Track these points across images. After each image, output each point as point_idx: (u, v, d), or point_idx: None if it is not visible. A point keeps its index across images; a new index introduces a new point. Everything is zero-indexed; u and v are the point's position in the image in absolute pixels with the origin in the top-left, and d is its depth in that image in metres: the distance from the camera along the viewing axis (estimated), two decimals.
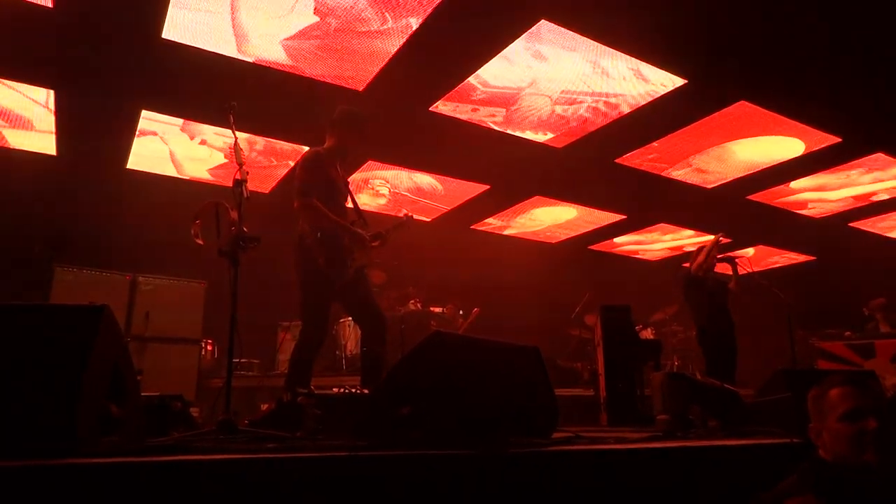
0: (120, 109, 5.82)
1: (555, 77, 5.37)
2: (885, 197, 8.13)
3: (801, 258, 10.92)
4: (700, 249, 6.38)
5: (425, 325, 7.31)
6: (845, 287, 9.04)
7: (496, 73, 5.28)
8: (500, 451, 2.02)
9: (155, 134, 6.29)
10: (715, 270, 6.33)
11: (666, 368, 7.73)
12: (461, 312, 8.43)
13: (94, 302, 1.91)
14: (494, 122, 6.11)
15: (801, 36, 4.82)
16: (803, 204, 8.38)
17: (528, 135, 6.37)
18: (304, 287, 3.71)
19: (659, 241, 10.32)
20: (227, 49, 4.86)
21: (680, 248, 10.39)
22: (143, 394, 2.46)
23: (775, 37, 4.84)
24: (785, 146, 6.67)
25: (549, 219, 9.14)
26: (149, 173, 7.04)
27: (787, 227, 9.13)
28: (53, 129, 6.10)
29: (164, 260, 6.22)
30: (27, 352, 1.67)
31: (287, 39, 4.79)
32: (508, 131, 6.28)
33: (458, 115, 5.96)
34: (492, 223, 9.26)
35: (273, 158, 6.90)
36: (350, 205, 4.03)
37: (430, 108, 5.82)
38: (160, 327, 6.04)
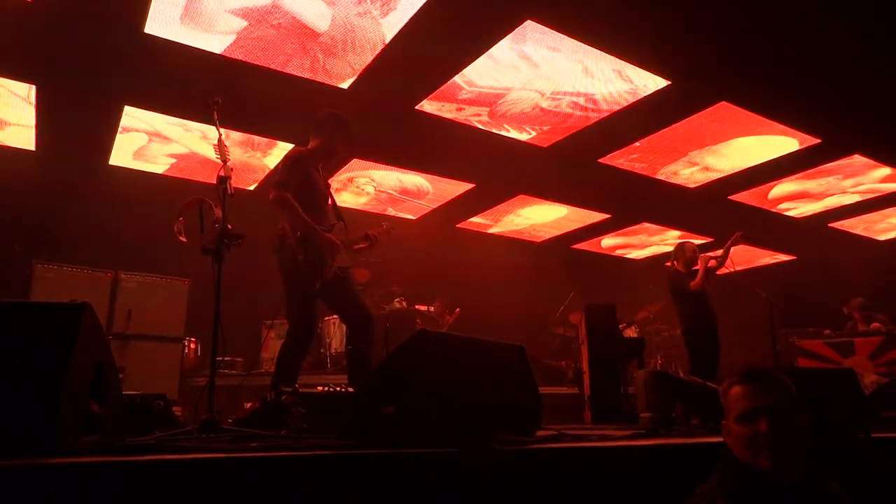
0: (102, 105, 5.75)
1: (539, 77, 5.39)
2: (861, 198, 8.27)
3: (782, 257, 11.06)
4: (683, 247, 6.43)
5: (411, 323, 7.31)
6: (825, 286, 9.17)
7: (482, 72, 5.29)
8: (485, 450, 2.02)
9: (139, 130, 6.22)
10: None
11: (649, 366, 7.80)
12: (447, 318, 8.42)
13: (75, 299, 1.88)
14: (479, 122, 6.12)
15: (781, 38, 4.88)
16: (783, 205, 8.50)
17: (513, 134, 6.39)
18: (289, 287, 3.69)
19: (646, 243, 10.40)
20: (211, 45, 4.82)
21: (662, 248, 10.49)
22: (124, 392, 2.43)
23: (756, 39, 4.90)
24: (773, 146, 6.74)
25: (534, 217, 9.17)
26: (131, 169, 6.97)
27: (768, 228, 9.24)
28: (33, 124, 6.01)
29: (147, 257, 6.16)
30: (6, 350, 1.64)
31: (271, 36, 4.76)
32: (493, 130, 6.29)
33: (443, 115, 5.96)
34: (477, 222, 9.27)
35: (259, 152, 6.86)
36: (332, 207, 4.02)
37: (416, 108, 5.82)
38: (142, 325, 5.98)
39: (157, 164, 6.99)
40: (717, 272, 6.29)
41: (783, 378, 1.73)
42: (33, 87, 5.44)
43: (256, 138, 6.49)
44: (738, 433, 1.69)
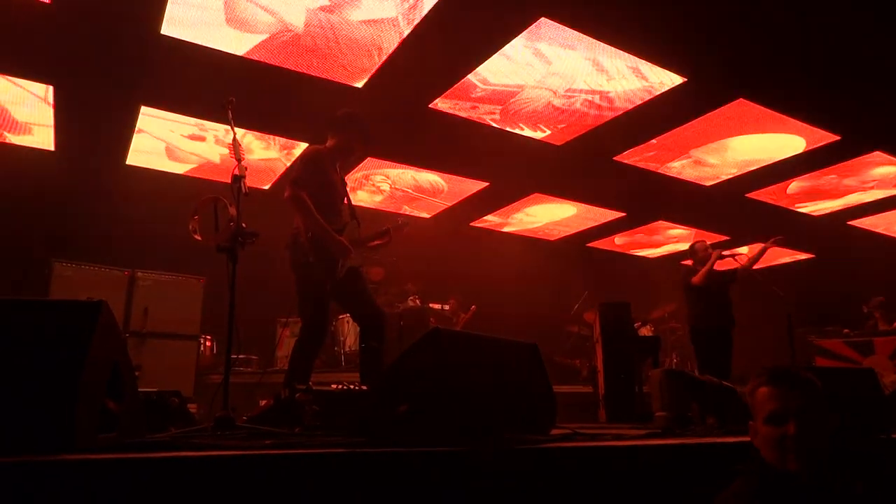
0: (119, 105, 5.81)
1: (554, 75, 5.36)
2: (882, 195, 8.14)
3: (801, 256, 10.93)
4: (694, 247, 6.39)
5: (424, 321, 7.30)
6: (844, 285, 9.04)
7: (496, 70, 5.27)
8: (499, 448, 2.01)
9: (150, 132, 6.28)
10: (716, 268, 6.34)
11: (664, 365, 7.74)
12: (462, 315, 8.41)
13: (93, 297, 1.90)
14: (493, 120, 6.10)
15: (800, 34, 4.82)
16: (801, 202, 8.40)
17: (527, 132, 6.36)
18: (301, 285, 3.71)
19: (658, 240, 10.33)
20: (227, 45, 4.85)
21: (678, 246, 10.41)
22: (140, 389, 2.45)
23: (774, 34, 4.83)
24: (785, 144, 6.66)
25: (548, 216, 9.13)
26: (148, 169, 7.04)
27: (786, 226, 9.11)
28: (52, 124, 6.09)
29: (163, 255, 6.22)
30: (25, 348, 1.66)
31: (287, 36, 4.78)
32: (507, 129, 6.27)
33: (457, 113, 5.95)
34: (491, 220, 9.25)
35: (276, 151, 6.89)
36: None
37: (430, 106, 5.82)
38: (158, 323, 6.04)
39: (174, 164, 7.04)
40: (750, 269, 6.22)
41: (812, 379, 1.70)
42: (51, 88, 5.50)
43: (274, 138, 6.52)
44: (766, 434, 1.66)
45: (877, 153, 6.92)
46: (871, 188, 7.93)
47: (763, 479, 1.64)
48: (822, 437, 1.63)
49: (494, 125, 6.19)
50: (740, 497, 1.64)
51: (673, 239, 10.28)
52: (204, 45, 4.81)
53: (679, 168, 7.30)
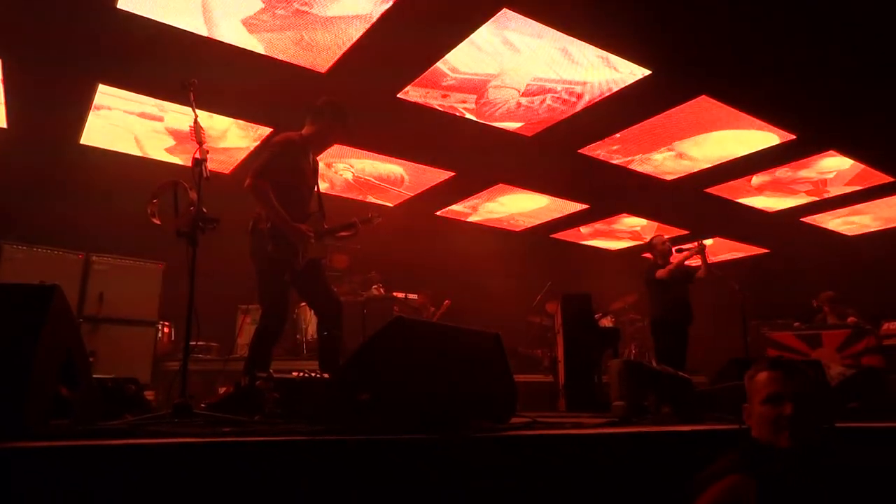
0: (74, 82, 5.60)
1: (523, 64, 5.37)
2: (833, 194, 8.41)
3: (756, 250, 11.24)
4: (652, 242, 6.54)
5: (388, 310, 7.30)
6: (796, 279, 9.34)
7: (465, 59, 5.26)
8: (459, 436, 2.03)
9: (111, 109, 6.09)
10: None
11: (624, 356, 7.91)
12: (432, 310, 8.42)
13: (45, 281, 1.85)
14: (466, 109, 6.09)
15: (763, 34, 4.92)
16: (758, 198, 8.63)
17: (495, 123, 6.38)
18: (260, 273, 3.68)
19: (620, 232, 10.50)
20: (188, 23, 4.73)
21: (640, 237, 10.60)
22: (95, 376, 2.40)
23: (737, 33, 4.93)
24: (751, 140, 6.82)
25: (513, 207, 9.18)
26: (104, 150, 6.83)
27: (742, 221, 9.37)
28: (2, 100, 5.85)
29: (120, 239, 6.06)
30: None
31: (249, 17, 4.68)
32: (475, 119, 6.27)
33: (427, 102, 5.92)
34: (456, 210, 9.26)
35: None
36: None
37: (399, 94, 5.77)
38: (115, 308, 5.89)
39: (132, 145, 6.85)
40: (699, 275, 6.43)
41: (807, 370, 1.97)
42: None
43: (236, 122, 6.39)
44: (762, 414, 1.86)
45: (831, 152, 7.14)
46: (824, 184, 8.18)
47: (754, 455, 1.82)
48: (813, 420, 1.84)
49: (467, 115, 6.17)
50: (718, 472, 1.80)
51: (635, 231, 10.45)
52: (164, 21, 4.67)
53: (641, 161, 7.42)
